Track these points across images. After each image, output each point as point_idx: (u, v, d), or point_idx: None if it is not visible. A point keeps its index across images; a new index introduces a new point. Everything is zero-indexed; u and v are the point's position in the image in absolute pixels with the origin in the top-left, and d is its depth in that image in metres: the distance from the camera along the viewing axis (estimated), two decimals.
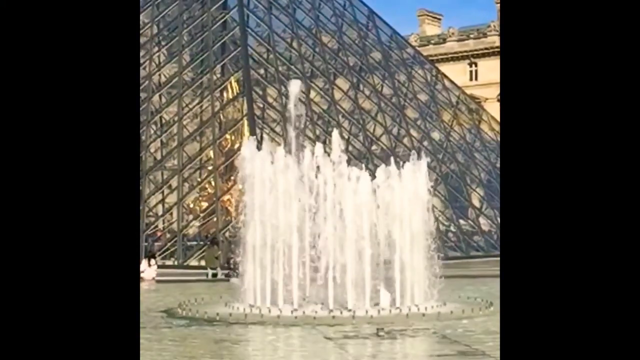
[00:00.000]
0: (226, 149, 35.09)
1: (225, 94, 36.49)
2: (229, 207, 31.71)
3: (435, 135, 40.20)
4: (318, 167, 14.93)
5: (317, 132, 34.28)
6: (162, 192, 35.11)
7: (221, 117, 36.10)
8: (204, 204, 34.54)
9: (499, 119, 43.71)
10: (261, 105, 36.26)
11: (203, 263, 28.45)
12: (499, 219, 36.62)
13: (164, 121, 37.38)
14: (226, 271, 25.16)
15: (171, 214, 34.17)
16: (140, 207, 32.91)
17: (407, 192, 15.18)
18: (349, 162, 15.56)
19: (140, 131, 35.68)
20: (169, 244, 31.55)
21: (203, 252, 29.68)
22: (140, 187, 33.79)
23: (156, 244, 32.83)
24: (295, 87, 17.47)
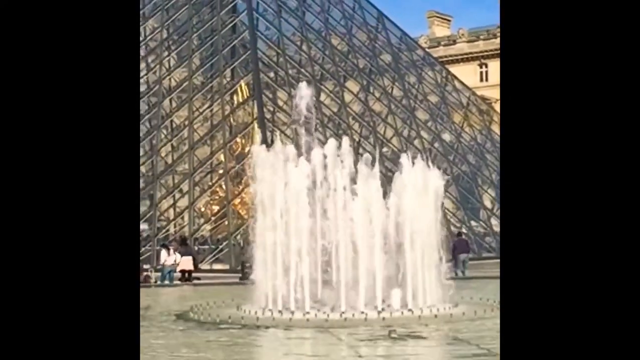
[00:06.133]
0: (237, 152, 35.16)
1: (235, 98, 36.57)
2: (240, 211, 31.74)
3: (446, 136, 40.17)
4: (330, 167, 14.88)
5: (328, 134, 34.27)
6: (174, 196, 35.22)
7: (231, 120, 36.18)
8: (215, 208, 34.62)
9: None
10: (271, 109, 36.31)
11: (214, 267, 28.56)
12: None
13: (174, 125, 37.50)
14: (239, 274, 25.23)
15: (182, 217, 34.26)
16: (152, 212, 33.04)
17: (419, 192, 15.11)
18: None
19: (151, 136, 35.83)
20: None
21: (215, 255, 29.73)
22: (152, 192, 33.93)
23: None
24: (304, 91, 17.34)
